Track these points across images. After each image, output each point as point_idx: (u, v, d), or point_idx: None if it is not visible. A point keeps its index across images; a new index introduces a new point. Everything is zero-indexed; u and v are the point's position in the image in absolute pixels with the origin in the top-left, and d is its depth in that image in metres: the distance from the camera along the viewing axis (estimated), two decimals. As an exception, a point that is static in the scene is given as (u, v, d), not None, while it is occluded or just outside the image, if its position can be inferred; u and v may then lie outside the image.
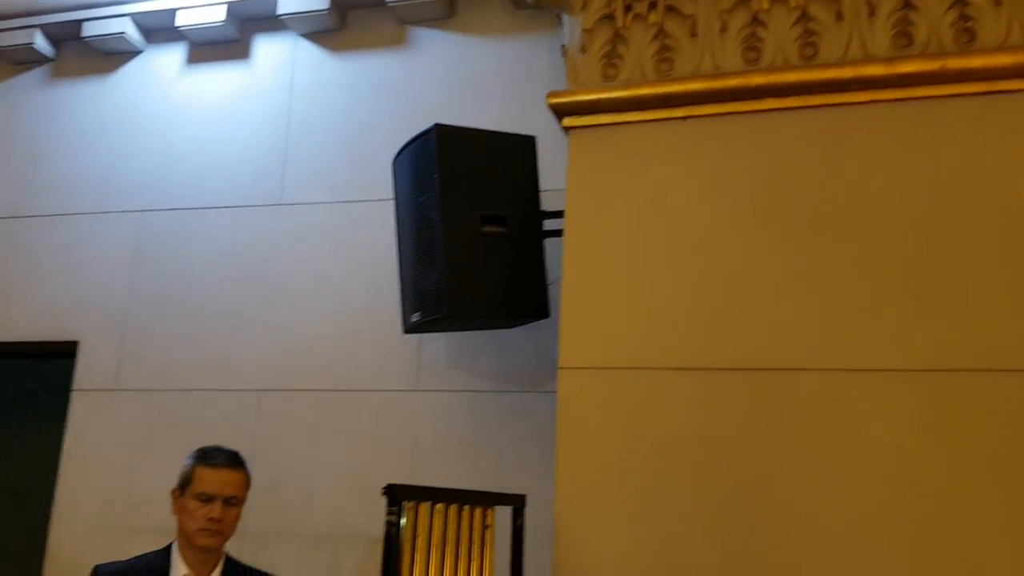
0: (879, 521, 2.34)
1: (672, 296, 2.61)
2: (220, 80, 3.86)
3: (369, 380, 3.37)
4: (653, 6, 2.77)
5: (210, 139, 3.79)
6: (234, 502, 2.46)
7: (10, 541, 4.77)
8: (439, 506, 2.28)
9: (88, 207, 3.87)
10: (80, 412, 3.67)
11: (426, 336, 3.31)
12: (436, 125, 2.82)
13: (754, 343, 2.52)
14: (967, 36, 2.53)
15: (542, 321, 2.94)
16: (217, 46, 3.87)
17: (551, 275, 2.90)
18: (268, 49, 3.83)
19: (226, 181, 3.73)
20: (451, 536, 2.30)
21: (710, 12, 2.72)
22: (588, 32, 2.81)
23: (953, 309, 2.41)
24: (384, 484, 2.18)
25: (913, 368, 2.41)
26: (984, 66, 2.49)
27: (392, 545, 2.14)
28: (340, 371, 3.41)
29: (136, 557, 2.50)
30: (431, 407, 3.28)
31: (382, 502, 2.17)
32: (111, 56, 3.98)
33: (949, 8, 2.54)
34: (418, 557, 2.21)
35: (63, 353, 3.76)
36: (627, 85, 2.75)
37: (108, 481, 3.54)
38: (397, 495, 2.17)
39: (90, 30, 3.88)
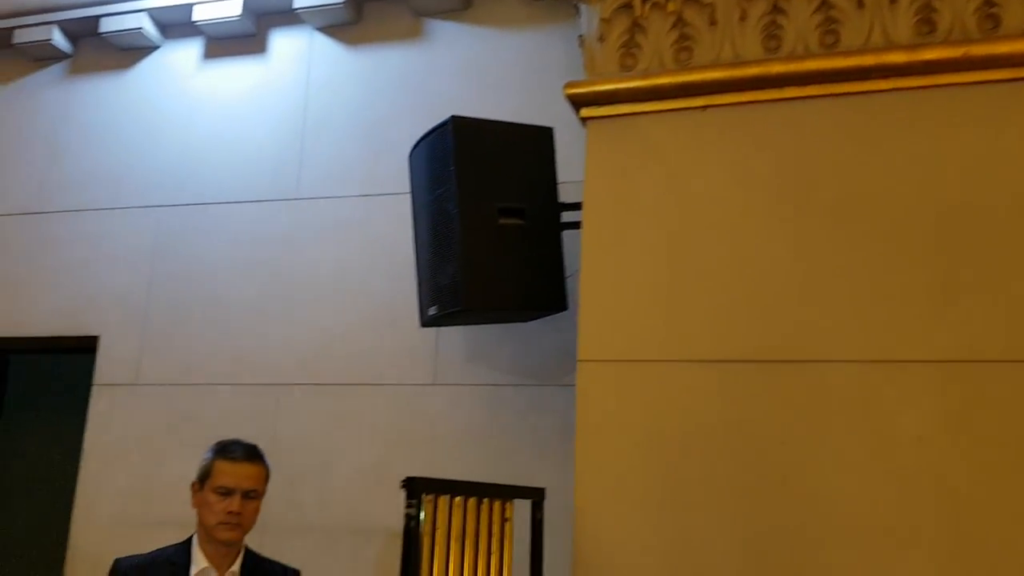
0: (902, 513, 2.32)
1: (692, 288, 2.59)
2: (237, 75, 3.86)
3: (387, 374, 3.37)
4: (671, -6, 2.75)
5: (227, 134, 3.80)
6: (253, 495, 2.46)
7: (33, 535, 4.81)
8: (458, 499, 2.28)
9: (107, 203, 3.88)
10: (101, 407, 3.68)
11: (444, 330, 3.30)
12: (452, 117, 2.81)
13: (775, 335, 2.50)
14: (991, 22, 2.49)
15: (560, 314, 2.92)
16: (234, 41, 3.87)
17: (569, 268, 2.88)
18: (284, 43, 3.83)
19: (243, 176, 3.74)
20: (470, 529, 2.29)
21: (729, 0, 2.69)
22: (606, 22, 2.79)
23: (978, 299, 2.38)
24: (403, 477, 2.18)
25: (937, 359, 2.38)
26: (1009, 52, 2.45)
27: (411, 538, 2.13)
28: (358, 365, 3.40)
29: (156, 550, 2.51)
30: (449, 401, 3.28)
31: (401, 496, 2.16)
32: (128, 52, 3.99)
33: (973, -7, 2.50)
34: (437, 550, 2.21)
35: (83, 348, 3.78)
36: (646, 75, 2.73)
37: (129, 475, 3.56)
38: (416, 488, 2.16)
39: (107, 26, 3.90)
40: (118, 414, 3.64)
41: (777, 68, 2.61)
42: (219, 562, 2.45)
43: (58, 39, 3.99)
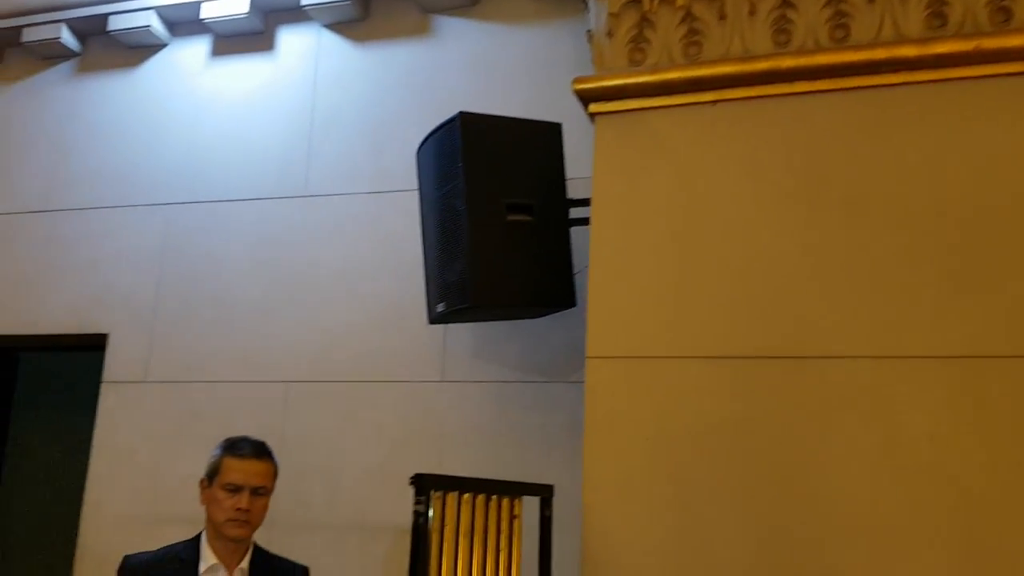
0: (913, 511, 2.30)
1: (701, 283, 2.57)
2: (245, 72, 3.86)
3: (395, 371, 3.36)
4: (680, -11, 2.73)
5: (235, 132, 3.80)
6: (262, 492, 2.46)
7: (42, 532, 4.82)
8: (467, 496, 2.27)
9: (115, 200, 3.89)
10: (110, 404, 3.69)
11: (451, 326, 3.30)
12: (460, 113, 2.80)
13: (786, 331, 2.48)
14: (1003, 15, 2.47)
15: (568, 310, 2.91)
16: (241, 38, 3.88)
17: (577, 264, 2.87)
18: (292, 40, 3.83)
19: (251, 173, 3.74)
20: (479, 526, 2.29)
21: (738, -6, 2.68)
22: (614, 16, 2.77)
23: (990, 294, 2.36)
24: (411, 474, 2.17)
25: (948, 355, 2.36)
26: (1021, 46, 2.43)
27: (420, 535, 2.13)
28: (366, 362, 3.40)
29: (165, 547, 2.51)
30: (457, 398, 3.27)
31: (409, 492, 2.15)
32: (136, 50, 4.00)
33: (984, -14, 2.48)
34: (446, 547, 2.20)
35: (93, 346, 3.79)
36: (654, 70, 2.71)
37: (138, 472, 3.57)
38: (425, 485, 2.15)
39: (115, 24, 3.90)
40: (127, 411, 3.65)
41: (787, 62, 2.59)
42: (228, 559, 2.45)
43: (66, 37, 4.00)
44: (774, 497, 2.40)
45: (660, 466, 2.50)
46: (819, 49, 2.59)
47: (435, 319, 3.00)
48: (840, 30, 2.59)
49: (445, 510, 2.21)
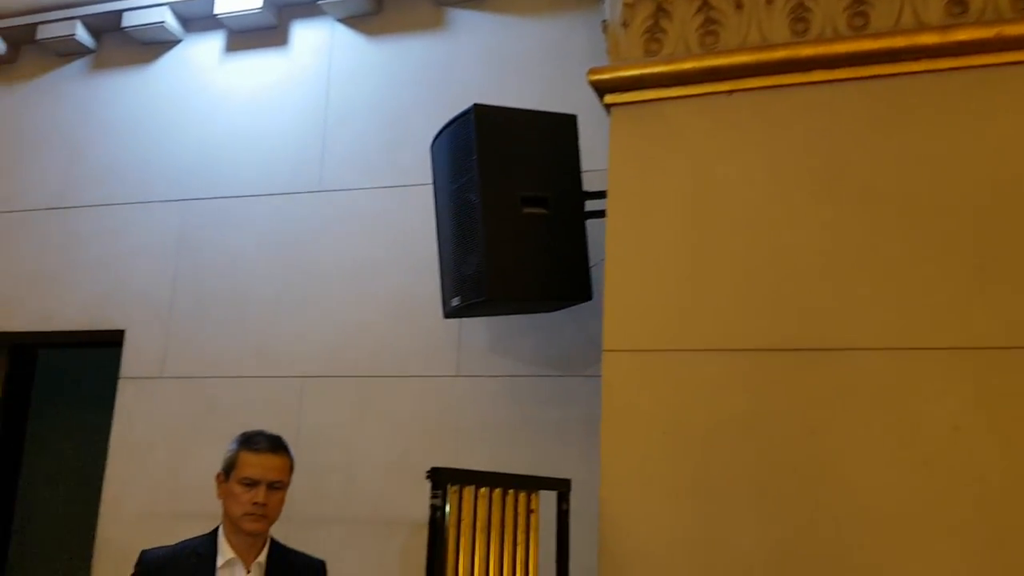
0: (932, 502, 2.27)
1: (719, 275, 2.55)
2: (258, 67, 3.86)
3: (410, 366, 3.36)
4: (696, -22, 2.70)
5: (249, 127, 3.80)
6: (278, 486, 2.46)
7: (60, 527, 4.86)
8: (483, 490, 2.26)
9: (131, 197, 3.90)
10: (127, 400, 3.70)
11: (467, 321, 3.28)
12: (475, 105, 2.78)
13: (805, 322, 2.46)
14: (1025, 1, 2.43)
15: (584, 304, 2.90)
16: (255, 33, 3.87)
17: (593, 257, 2.85)
18: (305, 35, 3.82)
19: (266, 169, 3.74)
20: (495, 520, 2.27)
21: (755, -17, 2.65)
22: (629, 7, 2.75)
23: (1013, 285, 2.33)
24: (426, 469, 2.16)
25: (967, 346, 2.33)
26: (1044, 32, 2.38)
27: (437, 529, 2.11)
28: (381, 357, 3.40)
29: (182, 542, 2.51)
30: (472, 392, 3.26)
31: (425, 487, 2.14)
32: (151, 46, 4.00)
33: (1006, -28, 2.44)
34: (462, 541, 2.19)
35: (110, 342, 3.80)
36: (671, 60, 2.68)
37: (155, 467, 3.58)
38: (442, 479, 2.14)
39: (130, 20, 3.91)
40: (144, 407, 3.66)
41: (805, 51, 2.56)
42: (245, 553, 2.45)
43: (81, 34, 4.01)
44: (792, 490, 2.37)
45: (678, 459, 2.48)
46: (838, 37, 2.56)
47: (450, 313, 2.99)
48: (859, 18, 2.56)
49: (462, 504, 2.20)
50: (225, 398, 3.54)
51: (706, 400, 2.49)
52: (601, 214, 2.78)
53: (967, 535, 2.24)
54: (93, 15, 3.97)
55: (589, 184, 2.90)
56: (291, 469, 2.52)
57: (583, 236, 2.87)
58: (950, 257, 2.39)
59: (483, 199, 2.71)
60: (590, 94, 2.80)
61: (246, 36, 3.89)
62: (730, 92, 2.63)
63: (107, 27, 4.02)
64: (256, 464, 2.43)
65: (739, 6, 2.66)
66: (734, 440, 2.44)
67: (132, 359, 3.73)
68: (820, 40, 2.57)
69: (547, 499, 2.45)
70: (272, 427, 2.59)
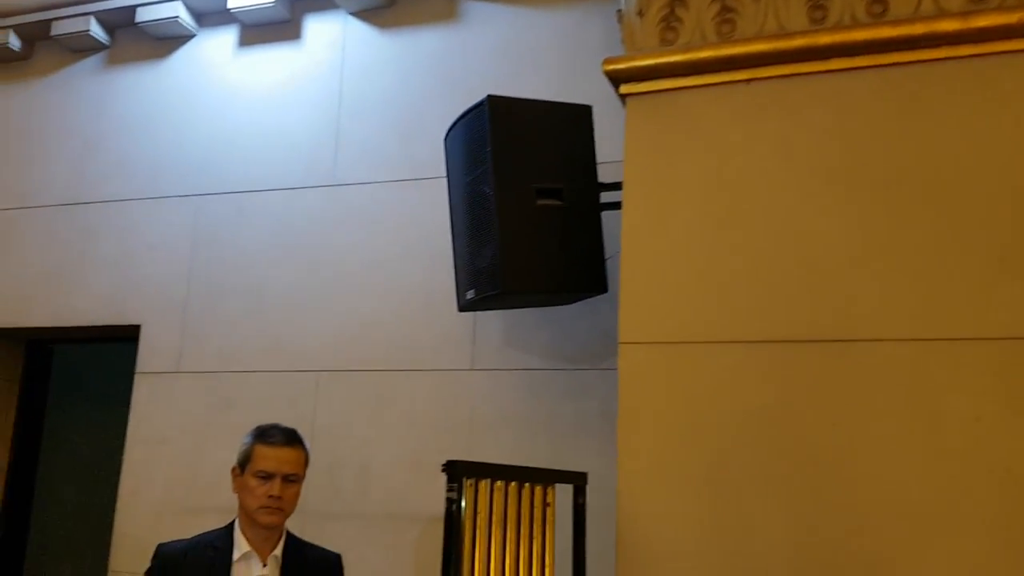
0: (956, 494, 2.24)
1: (737, 267, 2.52)
2: (272, 62, 3.86)
3: (425, 359, 3.35)
4: (712, -33, 2.67)
5: (263, 121, 3.80)
6: (293, 479, 2.45)
7: (78, 521, 4.88)
8: (499, 484, 2.25)
9: (146, 192, 3.91)
10: (143, 395, 3.72)
11: (481, 314, 3.27)
12: (488, 97, 2.76)
13: (824, 314, 2.43)
14: (1048, -15, 2.39)
15: (599, 297, 2.88)
16: (268, 27, 3.87)
17: (609, 250, 2.83)
18: (319, 29, 3.82)
19: (280, 163, 3.73)
20: (511, 514, 2.26)
21: (772, -29, 2.61)
22: (644, -4, 2.72)
23: (1036, 275, 2.29)
24: (441, 462, 2.15)
25: (991, 336, 2.30)
26: (1067, 17, 2.35)
27: (453, 522, 2.11)
28: (396, 351, 3.39)
29: (198, 535, 2.51)
30: (487, 386, 3.25)
31: (440, 481, 2.13)
32: (165, 41, 4.01)
33: (1028, -44, 2.40)
34: (479, 535, 2.18)
35: (126, 337, 3.82)
36: (687, 49, 2.66)
37: (171, 461, 3.59)
38: (457, 472, 2.13)
39: (143, 15, 3.92)
40: (160, 401, 3.67)
41: (823, 39, 2.53)
42: (261, 546, 2.45)
43: (95, 30, 4.02)
44: (813, 483, 2.35)
45: (695, 452, 2.46)
46: (856, 25, 2.52)
47: (465, 306, 2.97)
48: (878, 5, 2.52)
49: (478, 498, 2.19)
50: (240, 393, 3.54)
51: (724, 393, 2.47)
52: (617, 206, 2.76)
53: (991, 526, 2.21)
54: (107, 11, 3.98)
55: (604, 175, 2.88)
56: (306, 462, 2.51)
57: (598, 228, 2.84)
58: (971, 246, 2.35)
59: (497, 191, 2.70)
60: (605, 85, 2.78)
61: (259, 30, 3.89)
62: (747, 81, 2.60)
63: (121, 23, 4.02)
64: (271, 457, 2.43)
65: (756, -6, 2.63)
66: (752, 433, 2.42)
67: (148, 354, 3.74)
68: (838, 28, 2.53)
69: (563, 493, 2.44)
70: (287, 421, 2.59)
